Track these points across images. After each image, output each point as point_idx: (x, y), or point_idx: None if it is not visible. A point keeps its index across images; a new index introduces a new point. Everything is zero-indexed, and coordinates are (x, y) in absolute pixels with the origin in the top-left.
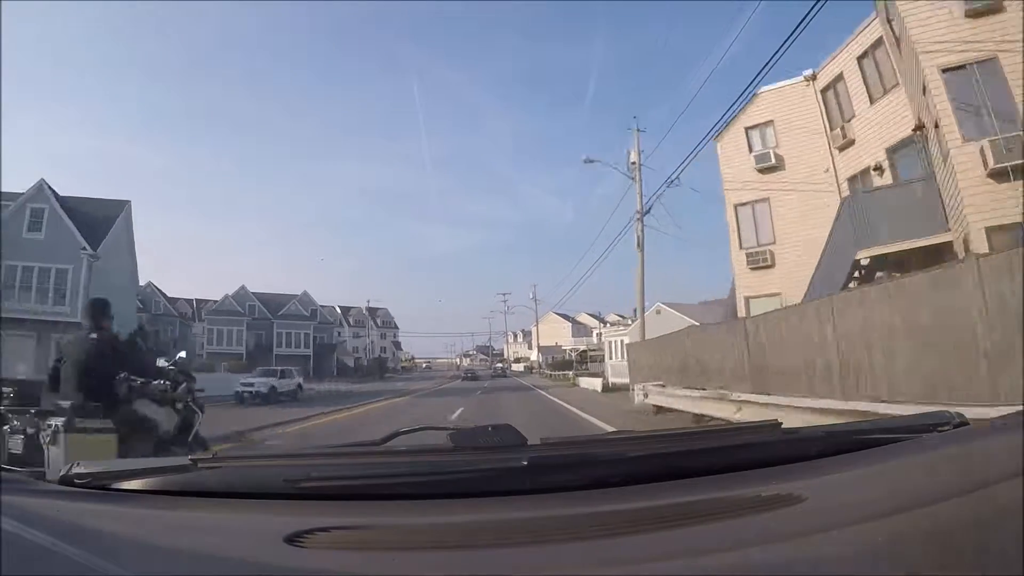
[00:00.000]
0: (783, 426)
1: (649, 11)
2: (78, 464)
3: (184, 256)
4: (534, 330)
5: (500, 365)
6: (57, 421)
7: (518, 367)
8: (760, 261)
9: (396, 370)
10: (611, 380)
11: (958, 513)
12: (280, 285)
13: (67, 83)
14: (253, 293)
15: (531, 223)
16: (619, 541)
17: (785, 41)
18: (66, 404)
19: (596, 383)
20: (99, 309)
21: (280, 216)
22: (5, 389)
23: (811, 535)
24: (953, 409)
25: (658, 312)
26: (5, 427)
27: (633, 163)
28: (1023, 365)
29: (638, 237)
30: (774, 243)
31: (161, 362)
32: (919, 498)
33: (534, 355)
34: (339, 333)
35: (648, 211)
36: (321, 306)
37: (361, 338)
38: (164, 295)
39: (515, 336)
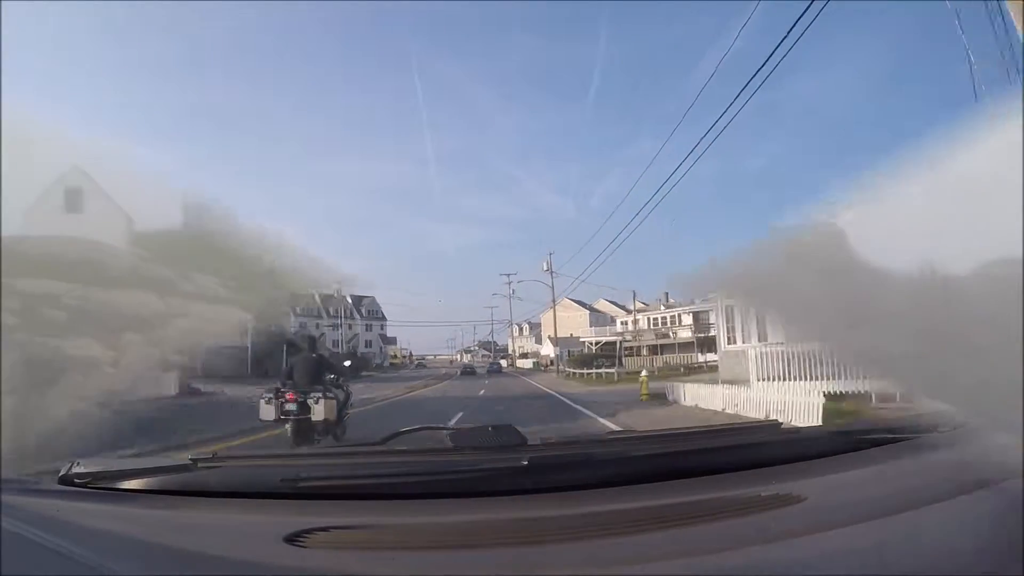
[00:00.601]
0: (783, 426)
1: (653, 8)
2: (78, 464)
3: None
4: (543, 319)
5: (502, 362)
6: (317, 394)
7: (525, 363)
8: None
9: (382, 367)
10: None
11: (957, 513)
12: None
13: (67, 83)
14: None
15: (535, 219)
16: (619, 541)
17: None
18: (319, 386)
19: (744, 399)
20: (314, 343)
21: (279, 215)
22: (288, 381)
23: (811, 535)
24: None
25: None
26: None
27: None
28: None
29: None
30: None
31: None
32: (918, 498)
33: (544, 349)
34: (317, 325)
35: None
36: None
37: (338, 329)
38: None
39: (521, 329)
